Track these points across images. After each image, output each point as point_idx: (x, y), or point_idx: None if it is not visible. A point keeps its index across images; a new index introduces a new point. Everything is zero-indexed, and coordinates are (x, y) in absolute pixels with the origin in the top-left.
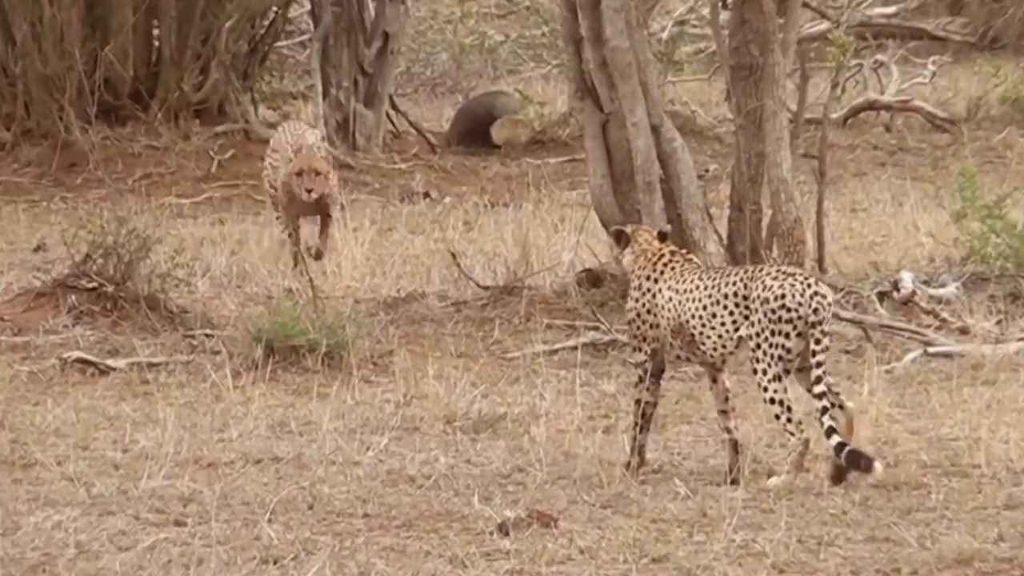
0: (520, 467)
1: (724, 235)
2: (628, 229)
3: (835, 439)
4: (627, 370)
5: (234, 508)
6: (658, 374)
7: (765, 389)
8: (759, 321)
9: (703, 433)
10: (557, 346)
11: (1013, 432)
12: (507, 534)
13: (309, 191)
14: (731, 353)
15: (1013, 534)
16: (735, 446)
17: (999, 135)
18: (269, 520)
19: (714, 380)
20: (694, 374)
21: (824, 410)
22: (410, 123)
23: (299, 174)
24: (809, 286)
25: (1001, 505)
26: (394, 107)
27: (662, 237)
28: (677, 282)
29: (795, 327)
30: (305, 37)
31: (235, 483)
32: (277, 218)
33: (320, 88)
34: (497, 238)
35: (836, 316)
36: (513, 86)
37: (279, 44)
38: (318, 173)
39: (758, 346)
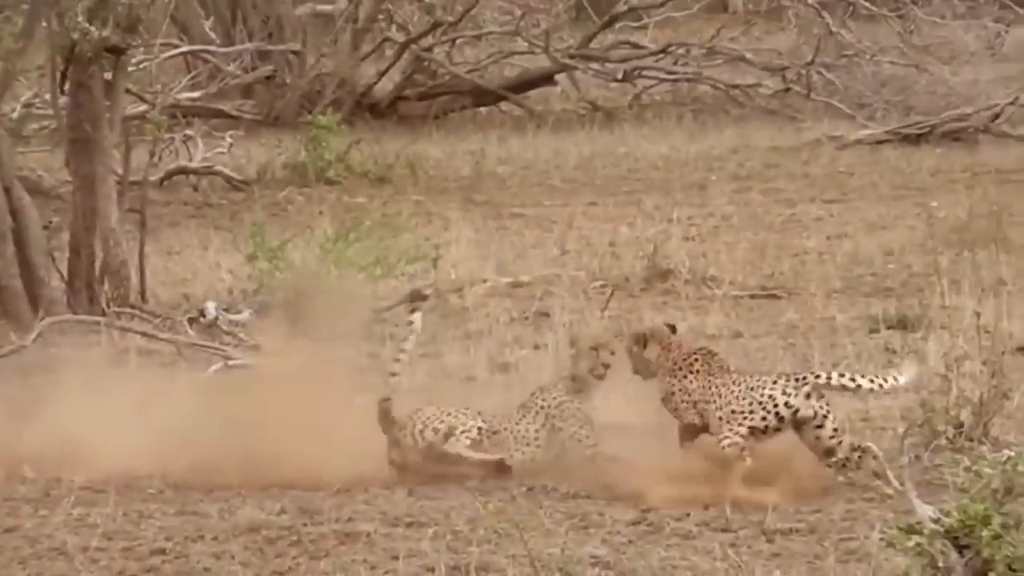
0: None
1: (65, 273)
2: (646, 330)
3: None
4: None
5: None
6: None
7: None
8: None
9: None
10: None
11: None
12: None
13: None
14: None
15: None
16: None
17: (282, 192)
18: None
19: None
20: None
21: None
22: None
23: None
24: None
25: None
26: None
27: (672, 329)
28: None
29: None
30: None
31: None
32: None
33: None
34: None
35: (155, 336)
36: None
37: None
38: None
39: None
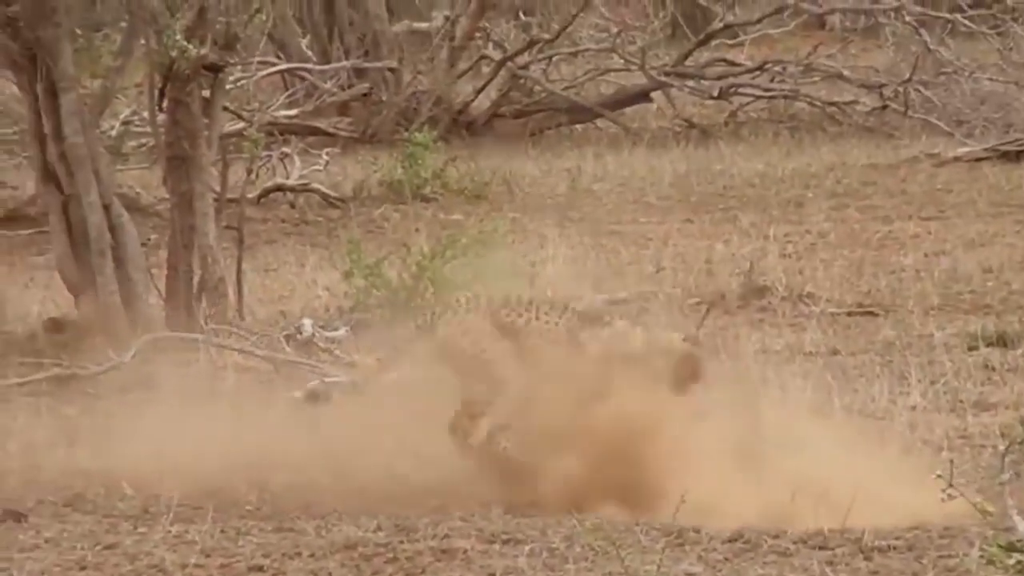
0: None
1: (163, 291)
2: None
3: None
4: (88, 397)
5: None
6: None
7: None
8: None
9: None
10: (28, 379)
11: None
12: None
13: None
14: None
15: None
16: None
17: (378, 210)
18: None
19: None
20: None
21: None
22: None
23: None
24: None
25: None
26: None
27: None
28: None
29: None
30: None
31: None
32: None
33: None
34: None
35: (253, 353)
36: None
37: None
38: None
39: None
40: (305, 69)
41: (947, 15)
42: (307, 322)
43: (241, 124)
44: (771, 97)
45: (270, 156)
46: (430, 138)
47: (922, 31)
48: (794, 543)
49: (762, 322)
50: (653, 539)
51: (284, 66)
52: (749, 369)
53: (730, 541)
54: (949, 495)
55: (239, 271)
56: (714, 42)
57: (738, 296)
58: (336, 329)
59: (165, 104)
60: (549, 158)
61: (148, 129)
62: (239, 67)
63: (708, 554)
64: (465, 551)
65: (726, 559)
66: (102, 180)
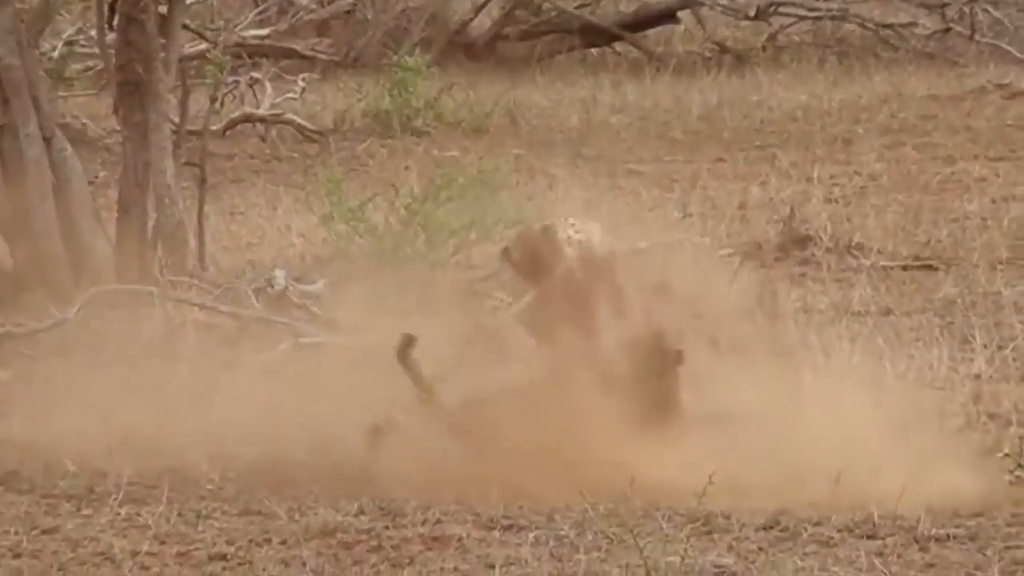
0: None
1: (113, 236)
2: None
3: None
4: (25, 358)
5: None
6: None
7: None
8: None
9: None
10: None
11: None
12: None
13: None
14: None
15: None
16: None
17: (362, 145)
18: None
19: None
20: None
21: None
22: None
23: None
24: None
25: None
26: None
27: None
28: None
29: None
30: None
31: None
32: None
33: None
34: None
35: (216, 309)
36: None
37: None
38: None
39: None
40: None
41: None
42: (279, 273)
43: (204, 45)
44: (816, 18)
45: (237, 82)
46: (422, 62)
47: None
48: (838, 531)
49: (804, 276)
50: (676, 526)
51: None
52: (788, 330)
53: (765, 528)
54: (1018, 477)
55: (200, 214)
56: None
57: (776, 247)
58: (313, 282)
59: (116, 21)
60: (560, 87)
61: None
62: None
63: (740, 543)
64: (460, 539)
65: (760, 549)
66: (42, 108)
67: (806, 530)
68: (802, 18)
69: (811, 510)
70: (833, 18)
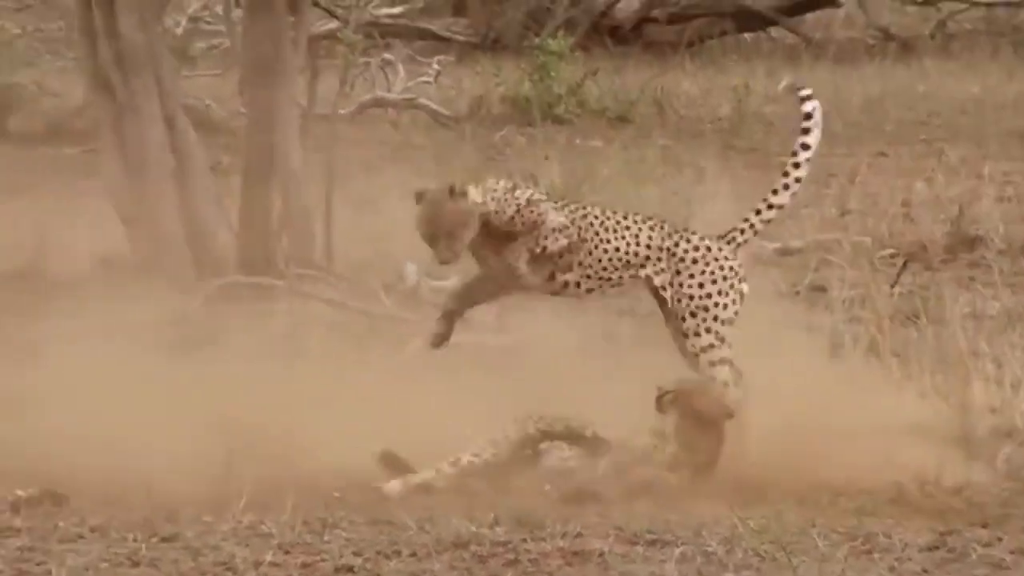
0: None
1: (236, 226)
2: None
3: None
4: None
5: None
6: None
7: None
8: None
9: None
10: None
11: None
12: (18, 512)
13: None
14: None
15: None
16: None
17: (500, 133)
18: None
19: None
20: None
21: None
22: None
23: None
24: None
25: None
26: None
27: None
28: None
29: None
30: None
31: None
32: None
33: None
34: (12, 226)
35: (344, 305)
36: (31, 79)
37: None
38: None
39: None
40: None
41: None
42: (411, 267)
43: (334, 24)
44: (990, 4)
45: (369, 64)
46: (565, 45)
47: None
48: (1011, 552)
49: (973, 280)
50: (833, 544)
51: None
52: (956, 338)
53: (930, 549)
54: None
55: (329, 203)
56: None
57: (944, 248)
58: (446, 277)
59: None
60: (711, 74)
61: (221, 28)
62: None
63: (902, 564)
64: (601, 553)
65: (925, 571)
66: (164, 88)
67: (975, 551)
68: (974, 4)
69: (980, 530)
70: (1009, 4)
